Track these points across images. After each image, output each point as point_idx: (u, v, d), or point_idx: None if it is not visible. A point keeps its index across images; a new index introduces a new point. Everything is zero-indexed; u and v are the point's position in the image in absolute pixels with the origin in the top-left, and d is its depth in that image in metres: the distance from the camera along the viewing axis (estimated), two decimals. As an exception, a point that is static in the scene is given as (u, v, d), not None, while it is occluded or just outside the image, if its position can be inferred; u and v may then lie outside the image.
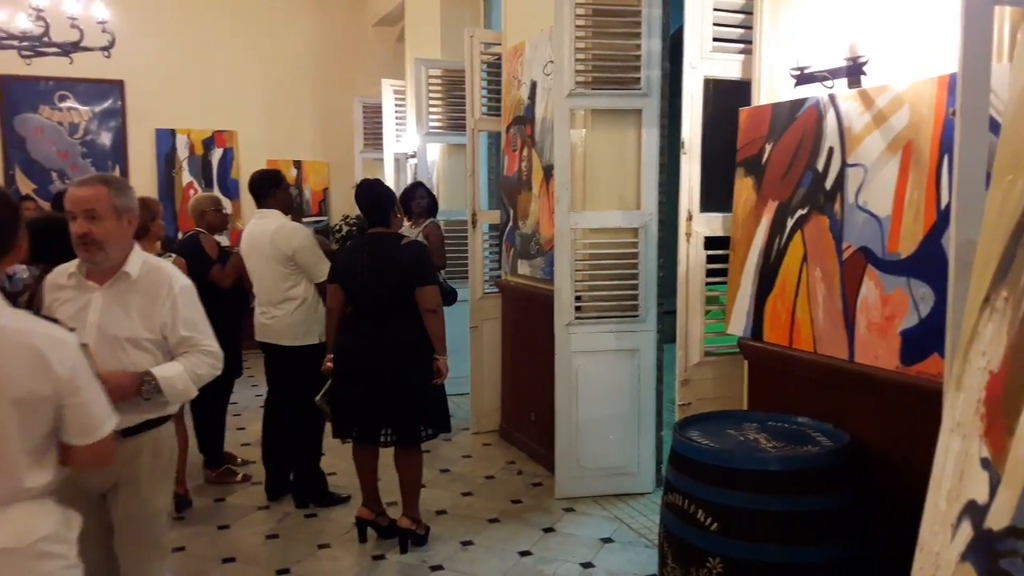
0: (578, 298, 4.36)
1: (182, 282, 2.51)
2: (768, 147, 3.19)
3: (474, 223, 5.63)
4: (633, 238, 4.37)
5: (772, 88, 3.30)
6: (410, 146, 7.32)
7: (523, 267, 5.17)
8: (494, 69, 5.68)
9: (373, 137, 8.46)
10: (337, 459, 4.81)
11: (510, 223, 5.36)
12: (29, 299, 3.49)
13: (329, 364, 3.82)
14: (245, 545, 3.93)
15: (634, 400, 4.41)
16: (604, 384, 4.38)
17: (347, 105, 8.70)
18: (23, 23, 5.74)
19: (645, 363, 4.40)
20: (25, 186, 7.85)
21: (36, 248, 3.37)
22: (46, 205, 6.17)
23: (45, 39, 5.63)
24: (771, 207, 3.17)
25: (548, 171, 4.70)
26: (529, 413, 5.11)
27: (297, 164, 8.95)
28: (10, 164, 7.93)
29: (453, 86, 6.45)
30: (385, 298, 3.74)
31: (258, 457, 4.65)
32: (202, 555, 3.80)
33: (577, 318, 4.34)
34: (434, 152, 6.86)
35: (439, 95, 6.54)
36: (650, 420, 4.45)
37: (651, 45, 4.26)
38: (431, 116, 6.51)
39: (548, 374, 4.44)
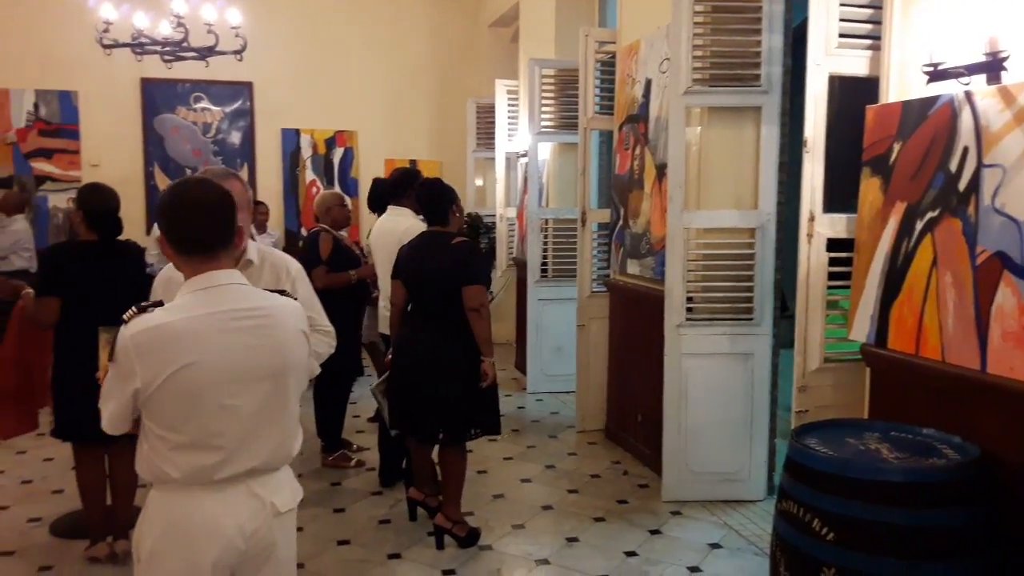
0: (690, 299, 4.31)
1: (295, 264, 2.72)
2: (897, 146, 3.06)
3: (583, 221, 5.63)
4: (749, 238, 4.27)
5: (902, 85, 3.15)
6: (521, 145, 7.39)
7: (632, 266, 5.14)
8: (607, 68, 5.67)
9: (485, 137, 8.60)
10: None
11: (620, 222, 5.34)
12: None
13: (390, 357, 3.96)
14: (359, 528, 4.08)
15: (746, 405, 4.31)
16: (715, 388, 4.30)
17: (461, 106, 8.87)
18: (165, 29, 6.14)
19: (759, 367, 4.29)
20: (162, 181, 8.39)
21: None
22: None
23: (184, 44, 6.00)
24: (899, 208, 3.04)
25: (661, 169, 4.66)
26: (636, 414, 5.08)
27: (412, 163, 9.18)
28: (150, 161, 8.50)
29: (566, 85, 6.48)
30: (436, 295, 3.80)
31: (373, 444, 4.81)
32: (317, 536, 3.97)
33: (688, 319, 4.29)
34: (545, 151, 6.91)
35: (551, 94, 6.58)
36: (763, 426, 4.34)
37: (772, 41, 4.16)
38: (543, 115, 6.56)
39: (656, 375, 4.40)
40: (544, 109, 6.55)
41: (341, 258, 4.85)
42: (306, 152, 9.00)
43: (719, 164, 4.38)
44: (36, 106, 8.17)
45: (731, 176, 4.38)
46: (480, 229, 8.75)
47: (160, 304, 1.79)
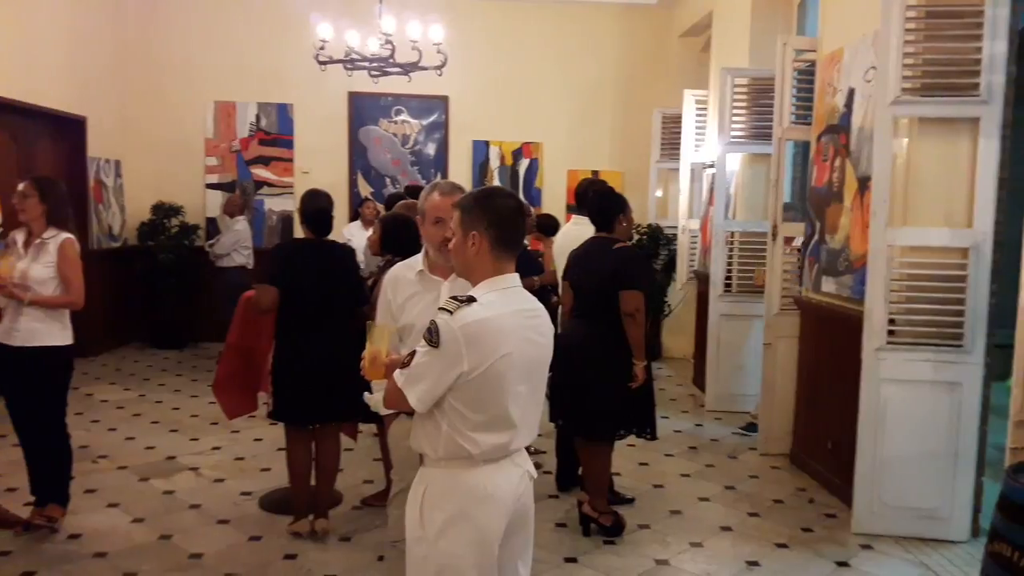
0: (891, 321, 4.06)
1: None
2: None
3: (774, 235, 5.45)
4: (962, 259, 3.96)
5: None
6: (708, 156, 7.26)
7: (828, 284, 4.90)
8: (805, 76, 5.46)
9: (669, 147, 8.52)
10: (623, 460, 4.93)
11: (815, 237, 5.11)
12: (372, 284, 4.04)
13: None
14: (535, 531, 4.16)
15: (951, 439, 4.00)
16: (916, 418, 4.02)
17: (646, 116, 8.85)
18: (373, 46, 6.59)
19: (968, 399, 3.97)
20: (364, 189, 9.00)
21: (386, 241, 3.90)
22: (380, 207, 7.00)
23: (390, 60, 6.41)
24: None
25: (863, 183, 4.42)
26: (826, 440, 4.83)
27: (594, 174, 9.26)
28: (353, 169, 9.14)
29: (759, 95, 6.31)
30: (594, 298, 3.94)
31: (550, 448, 4.90)
32: (497, 534, 4.09)
33: (889, 343, 4.04)
34: (734, 162, 6.75)
35: (743, 104, 6.43)
36: (969, 462, 4.01)
37: (994, 48, 3.85)
38: (733, 125, 6.41)
39: (851, 401, 4.18)
40: (735, 119, 6.41)
41: (525, 265, 4.99)
42: (494, 163, 9.32)
43: (929, 178, 4.10)
44: (258, 117, 9.02)
45: (942, 192, 4.09)
46: (660, 240, 8.67)
47: (473, 299, 1.99)
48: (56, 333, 3.78)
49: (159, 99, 8.86)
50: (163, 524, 4.09)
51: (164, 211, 8.70)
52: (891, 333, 4.06)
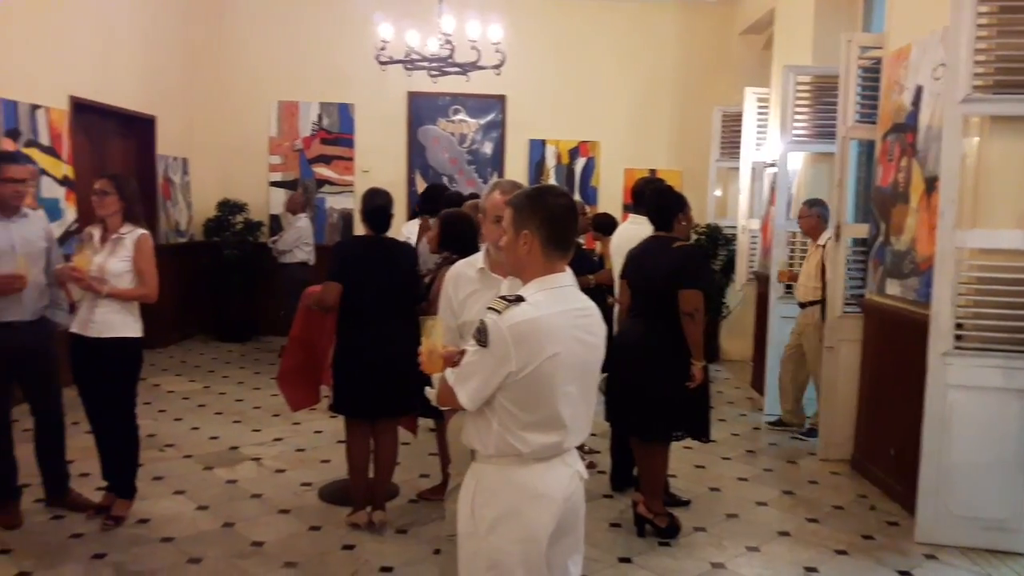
0: (959, 326, 3.94)
1: None
2: None
3: (837, 236, 5.33)
4: (1034, 262, 3.83)
5: None
6: (770, 155, 7.15)
7: (892, 286, 4.79)
8: (870, 74, 5.34)
9: (729, 146, 8.41)
10: (679, 462, 4.89)
11: (880, 238, 5.00)
12: (430, 282, 4.09)
13: None
14: (589, 529, 4.09)
15: (1022, 447, 3.87)
16: (984, 424, 3.90)
17: (705, 114, 8.76)
18: (433, 46, 6.65)
19: (1040, 406, 3.84)
20: (421, 187, 9.05)
21: (445, 238, 3.95)
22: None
23: (449, 60, 6.47)
24: None
25: (931, 183, 4.31)
26: (888, 447, 4.72)
27: (652, 172, 9.19)
28: (411, 168, 9.26)
29: (822, 93, 6.18)
30: (652, 297, 3.93)
31: (605, 448, 4.90)
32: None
33: (956, 348, 3.93)
34: (795, 161, 6.63)
35: (806, 102, 6.31)
36: (1041, 472, 3.88)
37: (1073, 43, 3.71)
38: (796, 124, 6.30)
39: (915, 406, 4.07)
40: (797, 117, 6.29)
41: (578, 263, 4.99)
42: (550, 162, 9.34)
43: (1000, 179, 3.98)
44: (320, 117, 9.21)
45: (1014, 193, 3.96)
46: (719, 240, 8.57)
47: (521, 298, 2.00)
48: (129, 325, 3.91)
49: (225, 99, 9.11)
50: (226, 512, 4.22)
51: (229, 208, 8.95)
52: (958, 338, 3.94)
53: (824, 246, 5.61)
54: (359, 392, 3.91)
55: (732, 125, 8.26)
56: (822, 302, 5.54)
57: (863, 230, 5.31)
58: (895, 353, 4.72)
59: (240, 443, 5.37)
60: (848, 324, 5.29)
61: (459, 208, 4.39)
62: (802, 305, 5.88)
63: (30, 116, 6.09)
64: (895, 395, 4.68)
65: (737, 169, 8.02)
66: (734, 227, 8.17)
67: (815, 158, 6.53)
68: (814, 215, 5.84)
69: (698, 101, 9.05)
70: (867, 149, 5.79)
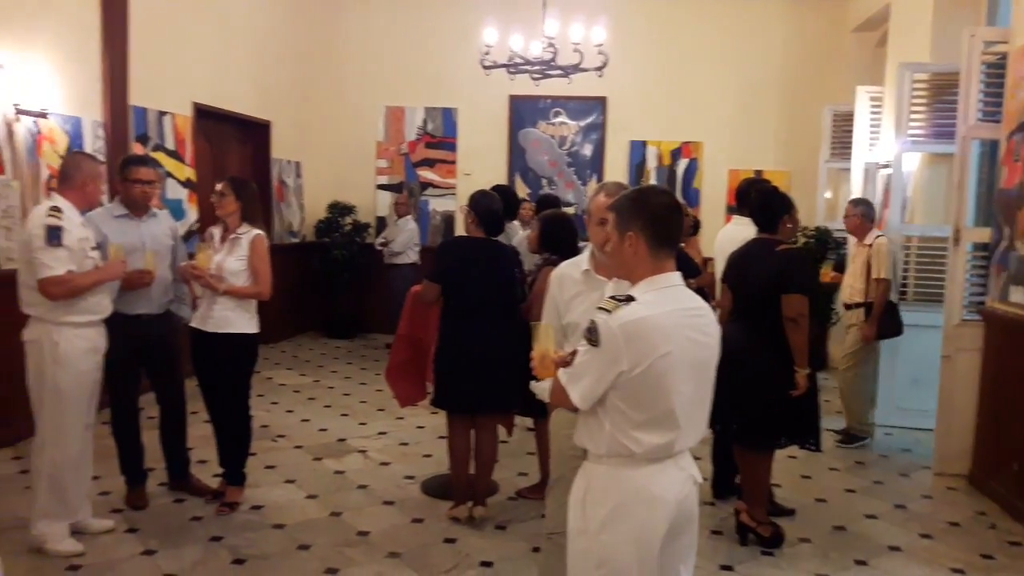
0: (1093, 335, 3.70)
1: None
2: None
3: (956, 240, 5.08)
4: None
5: None
6: (884, 155, 6.87)
7: (1016, 294, 4.52)
8: (994, 70, 5.06)
9: (840, 146, 8.12)
10: (784, 472, 4.77)
11: (1004, 243, 4.73)
12: (531, 283, 4.14)
13: None
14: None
15: None
16: (1120, 442, 3.65)
17: (814, 114, 8.49)
18: (535, 50, 6.71)
19: None
20: (521, 190, 9.17)
21: (544, 240, 3.99)
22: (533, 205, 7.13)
23: (552, 63, 6.50)
24: None
25: (1063, 185, 4.05)
26: (1011, 462, 4.46)
27: (757, 173, 8.97)
28: (512, 171, 9.36)
29: (940, 91, 5.91)
30: (754, 301, 3.84)
31: (706, 455, 4.81)
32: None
33: (1089, 359, 3.68)
34: (911, 162, 6.35)
35: (923, 101, 6.04)
36: None
37: None
38: (912, 123, 6.04)
39: (1042, 419, 3.84)
40: (913, 117, 6.03)
41: (681, 267, 4.92)
42: (651, 163, 9.25)
43: None
44: (424, 121, 9.44)
45: None
46: (828, 244, 8.28)
47: (632, 298, 2.01)
48: (245, 321, 4.11)
49: (336, 104, 9.45)
50: (334, 501, 4.38)
51: (339, 210, 9.28)
52: (1093, 349, 3.70)
53: (871, 245, 5.45)
54: (460, 387, 4.00)
55: (843, 125, 7.98)
56: (867, 304, 5.40)
57: (985, 234, 5.04)
58: (1019, 363, 4.46)
59: (347, 435, 5.56)
60: (967, 333, 5.02)
61: (558, 209, 4.42)
62: (847, 307, 5.73)
63: (158, 122, 6.50)
64: (1018, 408, 4.42)
65: (848, 170, 7.75)
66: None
67: (932, 159, 6.26)
68: (858, 214, 5.67)
69: (807, 100, 8.78)
70: (989, 149, 5.49)
